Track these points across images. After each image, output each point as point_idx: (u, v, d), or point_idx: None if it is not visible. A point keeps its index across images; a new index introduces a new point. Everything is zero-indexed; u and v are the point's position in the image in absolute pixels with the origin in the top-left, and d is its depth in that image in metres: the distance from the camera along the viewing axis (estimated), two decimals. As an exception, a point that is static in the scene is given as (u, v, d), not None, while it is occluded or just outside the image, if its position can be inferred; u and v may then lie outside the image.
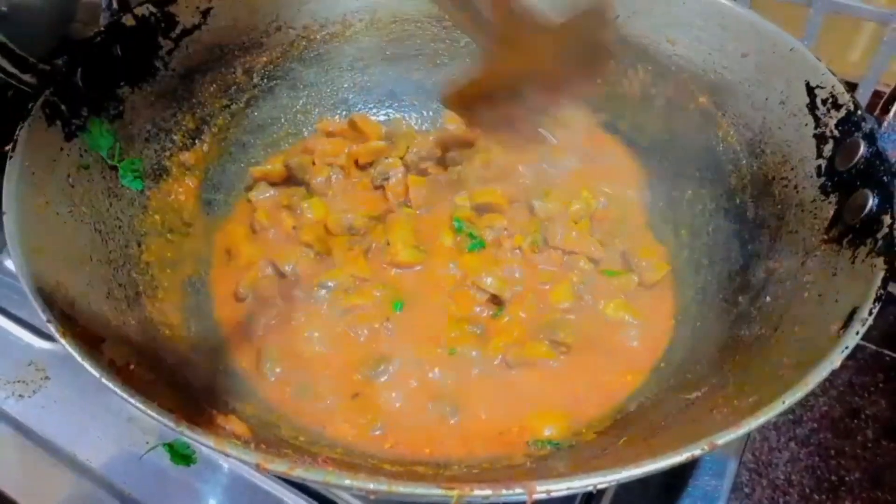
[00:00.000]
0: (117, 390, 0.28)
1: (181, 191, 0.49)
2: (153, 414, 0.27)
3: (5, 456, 0.48)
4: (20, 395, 0.50)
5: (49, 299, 0.31)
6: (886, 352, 0.57)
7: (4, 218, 0.35)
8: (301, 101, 0.58)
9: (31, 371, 0.51)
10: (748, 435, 0.46)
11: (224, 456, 0.28)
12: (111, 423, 0.48)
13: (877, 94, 0.61)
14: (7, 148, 0.38)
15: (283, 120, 0.57)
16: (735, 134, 0.51)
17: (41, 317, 0.31)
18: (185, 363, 0.39)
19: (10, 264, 0.56)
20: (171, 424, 0.27)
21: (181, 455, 0.45)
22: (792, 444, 0.50)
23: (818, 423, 0.49)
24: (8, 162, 0.38)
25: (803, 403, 0.48)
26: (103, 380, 0.28)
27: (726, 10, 0.51)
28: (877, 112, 0.43)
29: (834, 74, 0.45)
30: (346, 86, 0.59)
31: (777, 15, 0.61)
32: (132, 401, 0.28)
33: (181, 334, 0.42)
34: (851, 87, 0.61)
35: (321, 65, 0.58)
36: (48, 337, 0.52)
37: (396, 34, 0.59)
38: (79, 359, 0.29)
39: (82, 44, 0.45)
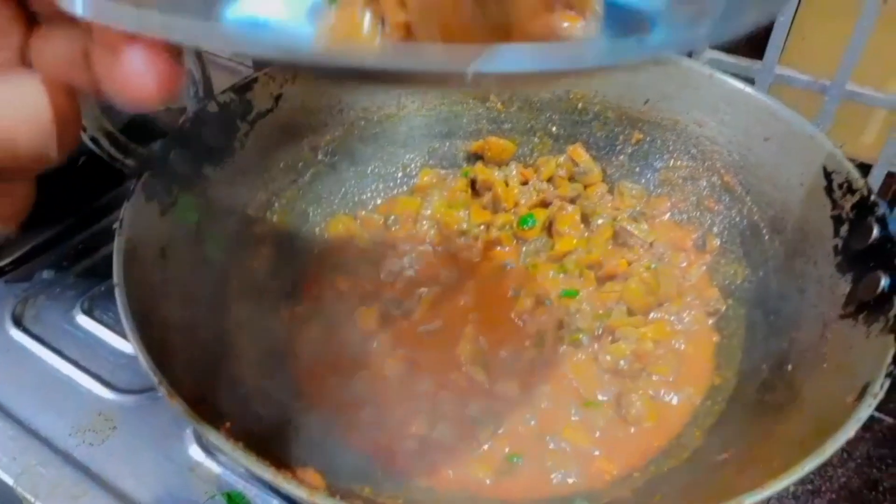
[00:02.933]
0: (227, 450, 0.32)
1: (255, 258, 0.55)
2: (270, 478, 0.32)
3: (76, 498, 0.53)
4: (90, 444, 0.54)
5: (158, 364, 0.36)
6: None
7: (116, 289, 0.40)
8: (360, 174, 0.63)
9: (100, 421, 0.56)
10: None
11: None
12: (173, 472, 0.51)
13: (890, 176, 0.65)
14: (115, 226, 0.44)
15: (344, 191, 0.62)
16: (758, 211, 0.55)
17: (153, 380, 0.36)
18: (260, 418, 0.44)
19: (81, 321, 0.62)
20: (304, 495, 0.32)
21: (238, 505, 0.49)
22: (812, 514, 0.52)
23: (837, 493, 0.51)
24: (116, 238, 0.43)
25: (822, 474, 0.51)
26: (212, 438, 0.33)
27: (749, 97, 0.56)
28: (889, 196, 0.47)
29: (849, 160, 0.49)
30: (400, 159, 0.65)
31: (796, 98, 0.66)
32: (243, 461, 0.32)
33: (258, 393, 0.47)
34: (866, 168, 0.66)
35: (378, 142, 0.64)
36: (116, 388, 0.57)
37: (444, 114, 0.65)
38: (192, 422, 0.34)
39: (174, 130, 0.50)
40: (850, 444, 0.60)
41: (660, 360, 0.51)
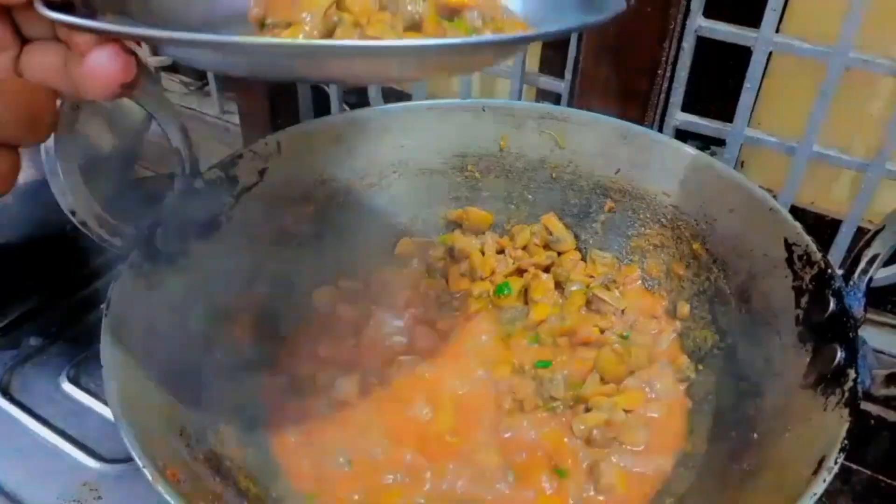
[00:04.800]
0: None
1: (238, 329, 0.56)
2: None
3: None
4: (76, 515, 0.55)
5: (146, 451, 0.38)
6: (881, 478, 0.62)
7: (104, 372, 0.41)
8: (343, 244, 0.65)
9: (85, 491, 0.56)
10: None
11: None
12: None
13: (861, 231, 0.68)
14: (102, 306, 0.46)
15: (327, 260, 0.64)
16: (725, 279, 0.58)
17: (138, 462, 0.37)
18: (245, 492, 0.45)
19: (67, 388, 0.64)
20: None
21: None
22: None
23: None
24: (103, 319, 0.45)
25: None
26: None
27: (713, 170, 0.59)
28: (846, 267, 0.49)
29: (808, 234, 0.52)
30: (382, 228, 0.67)
31: (767, 158, 0.69)
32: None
33: (240, 465, 0.48)
34: (836, 223, 0.69)
35: (361, 211, 0.66)
36: (101, 458, 0.58)
37: (425, 183, 0.67)
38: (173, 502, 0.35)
39: (161, 208, 0.52)
40: (830, 497, 0.61)
41: (632, 428, 0.52)
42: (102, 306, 0.46)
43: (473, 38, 0.35)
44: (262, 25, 0.37)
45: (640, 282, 0.63)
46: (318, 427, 0.53)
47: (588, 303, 0.60)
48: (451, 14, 0.38)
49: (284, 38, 0.34)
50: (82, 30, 0.30)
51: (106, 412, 0.61)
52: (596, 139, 0.63)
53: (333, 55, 0.32)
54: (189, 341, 0.52)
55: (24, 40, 0.33)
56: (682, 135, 0.71)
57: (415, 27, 0.37)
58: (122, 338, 0.45)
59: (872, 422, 0.65)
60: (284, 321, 0.60)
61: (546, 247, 0.65)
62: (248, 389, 0.54)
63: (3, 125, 0.31)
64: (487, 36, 0.37)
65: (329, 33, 0.36)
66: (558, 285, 0.63)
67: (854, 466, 0.62)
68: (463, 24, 0.37)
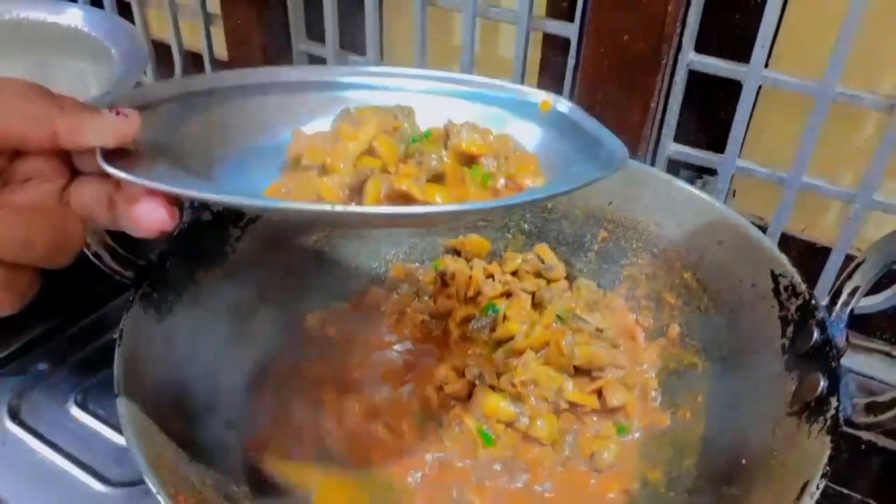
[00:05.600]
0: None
1: (245, 357, 0.58)
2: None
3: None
4: (81, 539, 0.57)
5: (158, 476, 0.39)
6: (871, 501, 0.63)
7: (118, 403, 0.43)
8: (344, 270, 0.67)
9: (91, 516, 0.58)
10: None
11: None
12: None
13: (849, 259, 0.70)
14: (115, 337, 0.48)
15: (328, 287, 0.66)
16: (715, 308, 0.60)
17: (151, 488, 0.39)
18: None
19: (75, 413, 0.65)
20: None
21: None
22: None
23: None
24: (116, 350, 0.47)
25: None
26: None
27: (703, 203, 0.61)
28: (828, 298, 0.51)
29: (795, 264, 0.54)
30: (382, 255, 0.69)
31: (758, 187, 0.71)
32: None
33: (246, 491, 0.49)
34: (826, 251, 0.71)
35: (362, 238, 0.68)
36: (109, 482, 0.60)
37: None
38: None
39: (170, 241, 0.54)
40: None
41: (619, 451, 0.54)
42: (113, 335, 0.48)
43: (493, 203, 0.40)
44: (297, 163, 0.41)
45: (627, 308, 0.65)
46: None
47: (563, 319, 0.62)
48: (469, 161, 0.42)
49: (335, 205, 0.38)
50: (140, 184, 0.33)
51: (114, 437, 0.63)
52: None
53: (367, 222, 0.42)
54: (197, 369, 0.53)
55: (74, 171, 0.35)
56: (675, 164, 0.73)
57: (437, 178, 0.41)
58: (135, 367, 0.47)
59: (863, 447, 0.67)
60: (288, 348, 0.62)
61: (538, 275, 0.67)
62: (255, 417, 0.55)
63: (34, 247, 0.32)
64: (510, 199, 0.41)
65: (360, 183, 0.39)
66: (539, 306, 0.64)
67: (845, 491, 0.64)
68: (480, 170, 0.42)
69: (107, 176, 0.33)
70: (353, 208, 0.38)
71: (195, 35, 1.00)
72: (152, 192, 0.34)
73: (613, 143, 0.44)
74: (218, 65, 1.01)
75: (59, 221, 0.34)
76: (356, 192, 0.39)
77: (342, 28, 0.87)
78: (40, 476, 0.60)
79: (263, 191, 0.39)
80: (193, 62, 1.05)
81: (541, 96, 0.48)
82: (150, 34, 1.04)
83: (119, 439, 0.62)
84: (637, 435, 0.57)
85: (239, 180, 0.40)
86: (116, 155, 0.34)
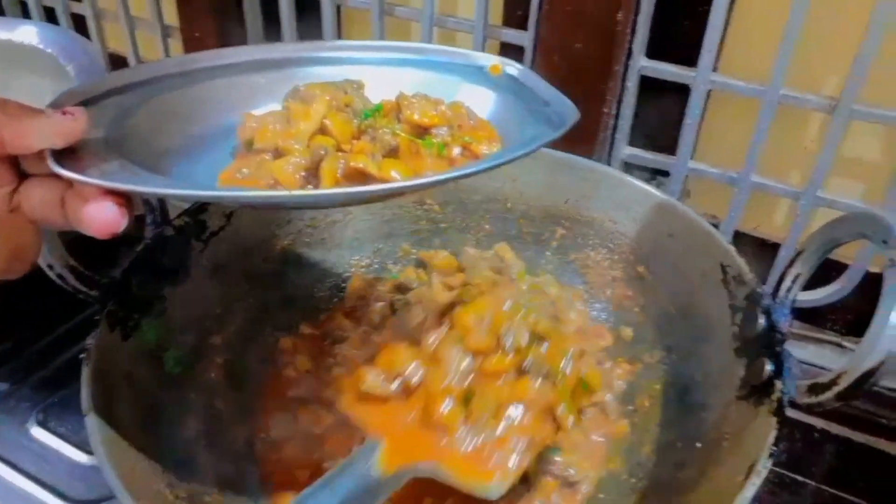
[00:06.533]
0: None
1: (211, 370, 0.59)
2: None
3: None
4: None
5: (130, 492, 0.40)
6: (825, 487, 0.66)
7: (87, 420, 0.44)
8: (308, 280, 0.68)
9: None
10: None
11: None
12: None
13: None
14: (82, 356, 0.48)
15: (294, 296, 0.67)
16: (668, 298, 0.62)
17: None
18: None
19: (36, 433, 0.65)
20: None
21: None
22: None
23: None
24: (83, 369, 0.47)
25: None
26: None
27: (654, 198, 0.63)
28: (773, 287, 0.53)
29: (743, 257, 0.56)
30: (347, 261, 0.70)
31: (711, 188, 0.73)
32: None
33: (220, 498, 0.50)
34: (776, 246, 0.73)
35: (325, 246, 0.69)
36: (72, 501, 0.59)
37: (387, 216, 0.71)
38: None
39: (134, 258, 0.55)
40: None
41: (579, 444, 0.56)
42: (73, 353, 0.48)
43: (447, 175, 0.38)
44: (249, 146, 0.41)
45: (588, 303, 0.67)
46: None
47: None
48: (423, 133, 0.42)
49: (292, 191, 0.39)
50: (93, 185, 0.32)
51: (76, 455, 0.63)
52: (546, 172, 0.67)
53: (331, 202, 0.43)
54: (165, 384, 0.54)
55: (21, 175, 0.34)
56: (630, 167, 0.75)
57: (392, 152, 0.41)
58: (102, 384, 0.47)
59: (817, 435, 0.69)
60: (254, 364, 0.63)
61: (499, 274, 0.68)
62: (226, 430, 0.56)
63: None
64: (462, 169, 0.40)
65: (315, 163, 0.39)
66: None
67: (800, 479, 0.66)
68: (433, 141, 0.42)
69: (57, 177, 0.32)
70: (311, 192, 0.38)
71: (153, 47, 1.00)
72: (104, 191, 0.33)
73: (564, 103, 0.44)
74: (177, 77, 1.01)
75: (13, 230, 0.33)
76: (312, 173, 0.39)
77: (301, 37, 0.88)
78: (3, 497, 0.60)
79: (218, 177, 0.39)
80: (152, 75, 1.05)
81: (491, 60, 0.48)
82: (106, 48, 1.04)
83: (82, 457, 0.63)
84: (601, 439, 0.59)
85: (193, 169, 0.40)
86: (66, 154, 0.33)
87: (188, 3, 0.92)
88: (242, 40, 0.92)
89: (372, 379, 0.47)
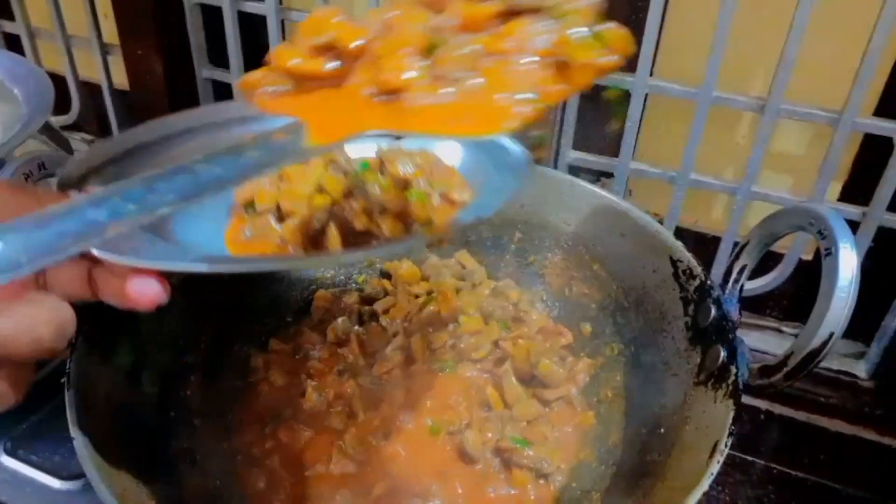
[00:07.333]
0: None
1: (189, 387, 0.59)
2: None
3: None
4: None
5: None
6: (774, 465, 0.71)
7: (75, 442, 0.44)
8: (275, 293, 0.69)
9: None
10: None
11: None
12: None
13: (738, 245, 0.77)
14: (62, 380, 0.48)
15: (261, 312, 0.68)
16: (623, 294, 0.66)
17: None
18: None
19: (5, 461, 0.63)
20: None
21: None
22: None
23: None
24: (66, 392, 0.47)
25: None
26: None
27: (603, 200, 0.66)
28: (721, 278, 0.57)
29: (688, 252, 0.60)
30: (310, 277, 0.71)
31: (653, 186, 0.78)
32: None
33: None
34: (717, 239, 0.78)
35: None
36: None
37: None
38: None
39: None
40: (731, 488, 0.70)
41: (549, 437, 0.60)
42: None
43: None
44: (248, 206, 0.43)
45: (547, 303, 0.70)
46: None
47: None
48: (405, 185, 0.45)
49: (320, 255, 0.43)
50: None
51: (48, 481, 0.62)
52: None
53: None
54: (146, 403, 0.54)
55: None
56: (575, 170, 0.79)
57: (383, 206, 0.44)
58: (85, 408, 0.47)
59: (763, 416, 0.75)
60: (229, 381, 0.63)
61: (461, 280, 0.71)
62: (206, 447, 0.57)
63: (42, 342, 0.31)
64: (462, 217, 0.43)
65: (321, 223, 0.42)
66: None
67: (749, 458, 0.71)
68: (416, 192, 0.44)
69: (81, 255, 0.32)
70: (337, 255, 0.42)
71: (91, 66, 0.99)
72: (138, 271, 0.33)
73: (515, 148, 0.47)
74: (119, 95, 1.00)
75: (55, 309, 0.32)
76: (317, 231, 0.42)
77: (246, 52, 0.89)
78: (-25, 531, 0.60)
79: (223, 236, 0.41)
80: (91, 93, 1.03)
81: None
82: (42, 67, 1.02)
83: (55, 483, 0.62)
84: (570, 430, 0.62)
85: (192, 231, 0.41)
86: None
87: (128, 20, 0.92)
88: (186, 56, 0.92)
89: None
